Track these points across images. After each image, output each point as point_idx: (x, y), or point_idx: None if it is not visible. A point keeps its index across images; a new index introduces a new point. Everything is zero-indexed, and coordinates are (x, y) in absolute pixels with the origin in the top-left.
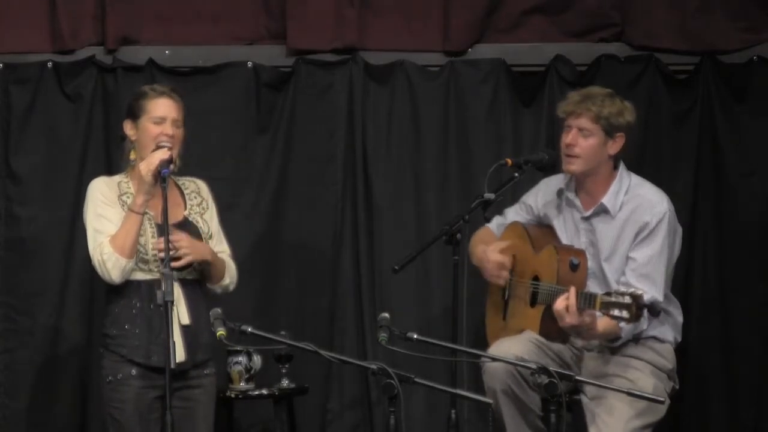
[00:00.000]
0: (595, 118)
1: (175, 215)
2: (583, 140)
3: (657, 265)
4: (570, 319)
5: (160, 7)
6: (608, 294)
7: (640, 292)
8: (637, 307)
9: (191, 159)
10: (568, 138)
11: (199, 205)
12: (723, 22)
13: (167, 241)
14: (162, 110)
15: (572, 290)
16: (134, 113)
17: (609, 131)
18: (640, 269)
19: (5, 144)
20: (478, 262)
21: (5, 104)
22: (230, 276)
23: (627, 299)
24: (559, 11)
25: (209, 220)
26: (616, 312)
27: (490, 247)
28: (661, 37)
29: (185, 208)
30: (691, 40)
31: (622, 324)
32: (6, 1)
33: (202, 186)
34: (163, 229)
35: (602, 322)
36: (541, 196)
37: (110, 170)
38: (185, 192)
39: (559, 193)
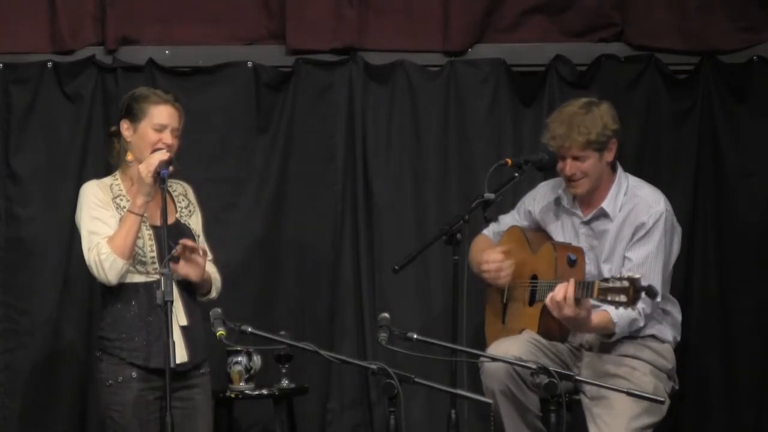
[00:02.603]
0: (584, 145)
1: (168, 218)
2: (581, 164)
3: (653, 265)
4: (567, 310)
5: (160, 7)
6: (605, 280)
7: (637, 276)
8: (635, 290)
9: (191, 159)
10: (566, 169)
11: (186, 207)
12: (723, 22)
13: (166, 241)
14: (164, 118)
15: (571, 281)
16: (134, 114)
17: (601, 148)
18: (635, 269)
19: (5, 144)
20: (477, 267)
21: (5, 104)
22: (216, 289)
23: (624, 283)
24: (559, 11)
25: (195, 223)
26: (613, 297)
27: (488, 250)
28: (661, 37)
29: (176, 211)
30: (691, 40)
31: (617, 314)
32: (6, 1)
33: (188, 189)
34: (160, 232)
35: (596, 316)
36: (538, 200)
37: (110, 170)
38: (174, 194)
39: (557, 201)
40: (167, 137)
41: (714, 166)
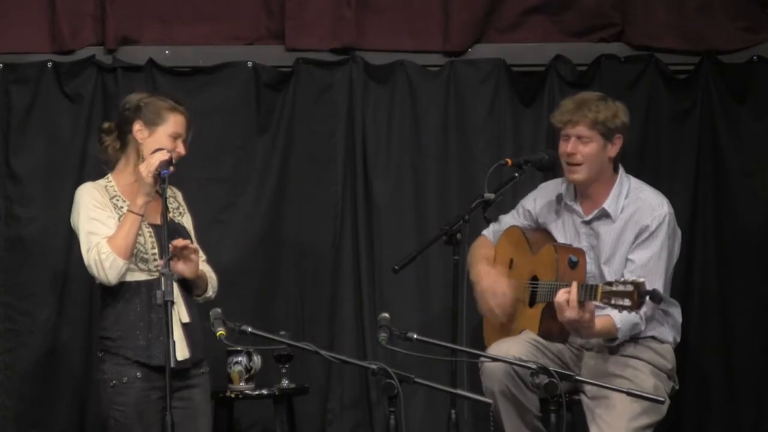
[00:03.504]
0: (592, 124)
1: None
2: (583, 147)
3: (656, 268)
4: (570, 313)
5: (160, 7)
6: (609, 284)
7: (641, 279)
8: (639, 294)
9: (191, 159)
10: (568, 147)
11: (177, 209)
12: (723, 22)
13: (166, 241)
14: (180, 128)
15: (574, 284)
16: (150, 118)
17: (607, 135)
18: (638, 271)
19: (5, 144)
20: (476, 282)
21: (5, 104)
22: (212, 288)
23: (629, 287)
24: (559, 11)
25: (186, 224)
26: (617, 300)
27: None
28: (661, 37)
29: (168, 212)
30: (691, 40)
31: (620, 319)
32: (6, 1)
33: (177, 193)
34: (158, 230)
35: (599, 321)
36: (539, 200)
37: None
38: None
39: (558, 198)
40: (181, 147)
41: (714, 166)
